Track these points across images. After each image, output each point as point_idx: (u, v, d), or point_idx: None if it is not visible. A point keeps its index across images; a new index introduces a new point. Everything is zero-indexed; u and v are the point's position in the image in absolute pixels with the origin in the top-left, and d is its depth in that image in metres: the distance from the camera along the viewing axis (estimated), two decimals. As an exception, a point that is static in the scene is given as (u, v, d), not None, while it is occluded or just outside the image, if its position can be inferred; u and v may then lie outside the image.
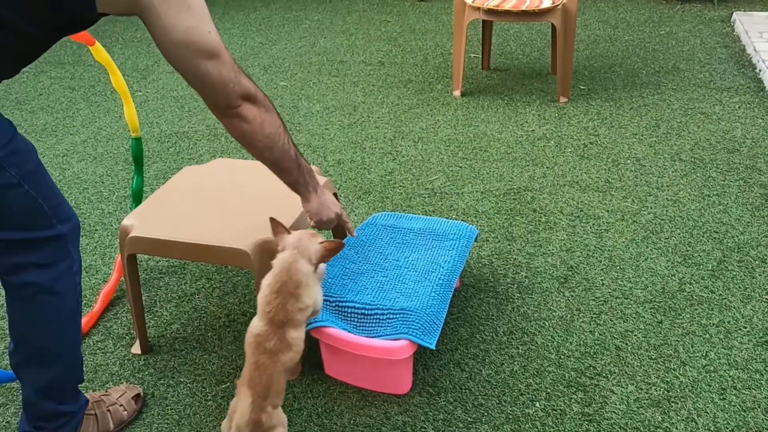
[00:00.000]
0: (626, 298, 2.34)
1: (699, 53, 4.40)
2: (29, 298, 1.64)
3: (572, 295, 2.36)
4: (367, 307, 1.97)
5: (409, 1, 5.89)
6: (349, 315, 1.99)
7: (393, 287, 2.05)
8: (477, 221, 2.81)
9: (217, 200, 2.19)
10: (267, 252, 1.95)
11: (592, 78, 4.12)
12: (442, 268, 2.12)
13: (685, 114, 3.62)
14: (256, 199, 2.17)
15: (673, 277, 2.43)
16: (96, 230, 2.92)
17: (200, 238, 2.00)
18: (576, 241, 2.65)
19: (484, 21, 4.16)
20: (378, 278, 2.10)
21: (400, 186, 3.12)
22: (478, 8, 3.68)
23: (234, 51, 4.89)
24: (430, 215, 2.87)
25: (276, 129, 1.69)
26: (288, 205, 2.10)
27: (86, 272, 2.65)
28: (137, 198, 2.55)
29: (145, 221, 2.10)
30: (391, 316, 1.94)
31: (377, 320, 1.95)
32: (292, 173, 1.82)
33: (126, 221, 2.11)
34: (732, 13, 4.97)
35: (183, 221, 2.09)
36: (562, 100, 3.83)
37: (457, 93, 4.00)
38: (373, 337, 1.93)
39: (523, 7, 3.57)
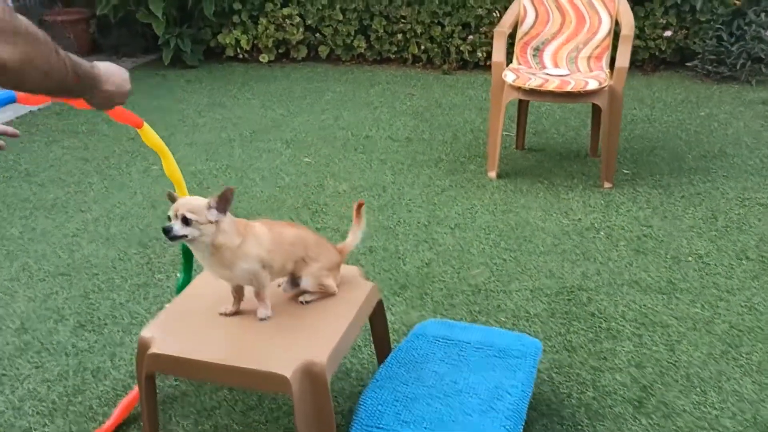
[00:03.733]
0: (714, 430, 2.03)
1: (745, 137, 4.19)
2: None
3: (651, 423, 2.06)
4: (426, 446, 1.68)
5: (433, 74, 5.75)
6: (404, 454, 1.69)
7: (454, 419, 1.76)
8: (530, 327, 2.52)
9: (249, 309, 1.92)
10: (309, 376, 1.68)
11: (635, 161, 3.90)
12: (510, 395, 1.83)
13: (743, 205, 3.37)
14: (294, 309, 1.90)
15: (764, 404, 2.12)
16: (105, 324, 2.64)
17: (233, 358, 1.72)
18: (645, 353, 2.36)
19: (521, 99, 3.97)
20: (436, 406, 1.80)
21: (440, 280, 2.85)
22: (519, 88, 3.48)
23: (254, 123, 4.71)
24: (477, 317, 2.59)
25: (47, 61, 1.25)
26: (331, 315, 1.83)
27: (93, 376, 2.35)
28: (189, 254, 2.24)
29: (167, 334, 1.82)
30: (456, 460, 1.64)
31: (438, 463, 1.65)
32: (76, 91, 1.45)
33: (145, 332, 1.84)
34: (771, 95, 4.81)
35: (211, 335, 1.82)
36: (607, 185, 3.59)
37: (492, 174, 3.77)
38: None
39: (568, 88, 3.38)
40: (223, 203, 1.74)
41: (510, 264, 2.94)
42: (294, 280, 1.92)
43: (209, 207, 1.72)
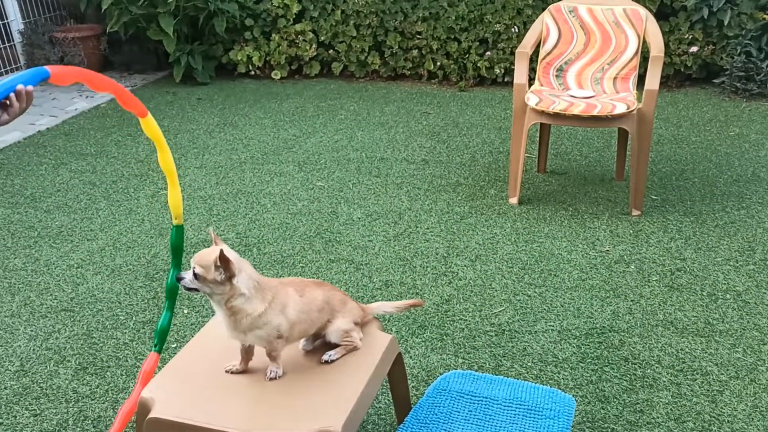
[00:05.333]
0: (766, 497, 1.86)
1: (778, 159, 4.01)
2: None
3: (695, 489, 1.89)
4: None
5: (450, 91, 5.60)
6: None
7: (482, 494, 1.60)
8: (559, 373, 2.36)
9: (259, 367, 1.77)
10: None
11: (664, 186, 3.72)
12: (543, 465, 1.66)
13: (781, 235, 3.19)
14: (308, 365, 1.75)
15: (819, 467, 1.95)
16: (108, 367, 2.50)
17: (240, 425, 1.57)
18: (684, 405, 2.19)
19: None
20: (461, 477, 1.65)
21: (461, 319, 2.69)
22: (542, 112, 3.32)
23: (266, 144, 4.57)
24: (501, 361, 2.43)
25: None
26: (347, 374, 1.68)
27: (93, 427, 2.21)
28: (172, 296, 2.12)
29: (169, 395, 1.67)
30: None
31: None
32: None
33: (146, 392, 1.69)
34: (803, 113, 4.62)
35: (217, 397, 1.67)
36: (635, 213, 3.42)
37: (513, 200, 3.61)
38: None
39: (595, 112, 3.21)
40: (224, 267, 1.59)
41: (535, 301, 2.78)
42: (314, 336, 1.78)
43: (216, 266, 1.58)
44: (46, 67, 1.56)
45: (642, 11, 3.52)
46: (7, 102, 1.49)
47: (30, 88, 1.52)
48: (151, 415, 1.63)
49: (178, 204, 2.05)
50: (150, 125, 1.91)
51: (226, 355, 1.79)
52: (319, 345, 1.81)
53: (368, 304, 1.92)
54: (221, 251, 1.57)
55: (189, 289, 1.63)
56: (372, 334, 1.87)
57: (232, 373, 1.75)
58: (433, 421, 1.83)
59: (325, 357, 1.75)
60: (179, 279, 1.64)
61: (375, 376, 1.75)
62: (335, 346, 1.79)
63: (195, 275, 1.60)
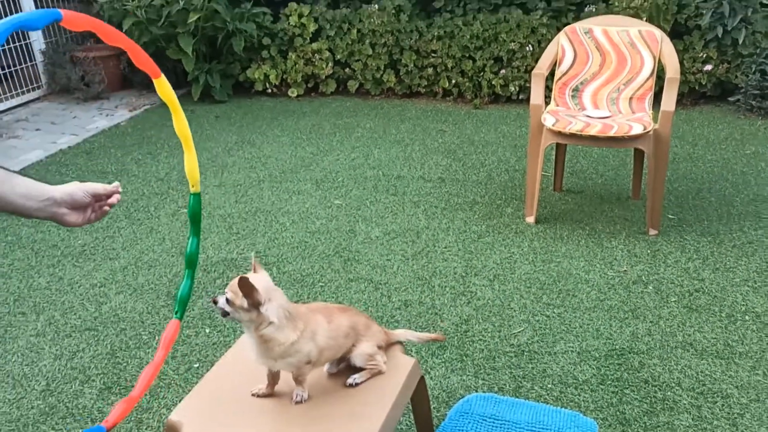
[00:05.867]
0: None
1: (795, 178, 4.01)
2: None
3: None
4: None
5: (464, 108, 5.64)
6: None
7: None
8: (579, 395, 2.37)
9: (285, 390, 1.80)
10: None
11: (681, 205, 3.74)
12: (566, 490, 1.68)
13: (799, 255, 3.20)
14: (333, 390, 1.78)
15: (842, 492, 1.95)
16: (132, 387, 2.53)
17: (268, 450, 1.60)
18: (705, 429, 2.19)
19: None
20: (485, 502, 1.66)
21: (480, 339, 2.71)
22: (559, 132, 3.35)
23: (284, 162, 4.63)
24: (521, 382, 2.44)
25: None
26: (371, 398, 1.70)
27: (119, 447, 2.25)
28: (191, 264, 2.12)
29: (197, 420, 1.71)
30: None
31: None
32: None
33: (174, 416, 1.72)
34: (819, 131, 4.62)
35: (244, 422, 1.70)
36: (652, 232, 3.43)
37: (530, 219, 3.63)
38: None
39: (611, 133, 3.24)
40: (245, 294, 1.61)
41: (554, 321, 2.79)
42: (339, 360, 1.81)
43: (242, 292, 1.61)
44: (60, 10, 1.50)
45: (657, 33, 3.55)
46: (86, 201, 1.44)
47: (114, 200, 1.49)
48: (181, 438, 1.66)
49: (195, 170, 1.99)
50: (163, 87, 1.80)
51: (250, 377, 1.81)
52: (344, 368, 1.84)
53: (392, 330, 1.95)
54: (240, 277, 1.60)
55: (224, 315, 1.66)
56: (395, 357, 1.89)
57: (258, 396, 1.78)
58: (456, 444, 1.85)
59: (350, 381, 1.78)
60: (215, 302, 1.67)
61: (399, 399, 1.78)
62: (359, 368, 1.82)
63: (227, 300, 1.63)
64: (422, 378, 1.95)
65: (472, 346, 2.67)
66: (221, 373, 1.88)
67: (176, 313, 2.12)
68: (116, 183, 1.53)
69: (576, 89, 3.68)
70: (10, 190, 1.33)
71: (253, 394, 1.78)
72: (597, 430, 1.93)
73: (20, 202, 1.34)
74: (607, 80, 3.63)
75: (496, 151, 4.68)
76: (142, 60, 1.71)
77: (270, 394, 1.77)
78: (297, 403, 1.74)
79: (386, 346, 1.89)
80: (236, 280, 1.65)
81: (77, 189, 1.42)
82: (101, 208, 1.47)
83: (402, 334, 1.96)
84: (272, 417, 1.71)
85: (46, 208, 1.37)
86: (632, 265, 3.17)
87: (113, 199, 1.50)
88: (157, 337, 2.82)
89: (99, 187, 1.46)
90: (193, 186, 2.03)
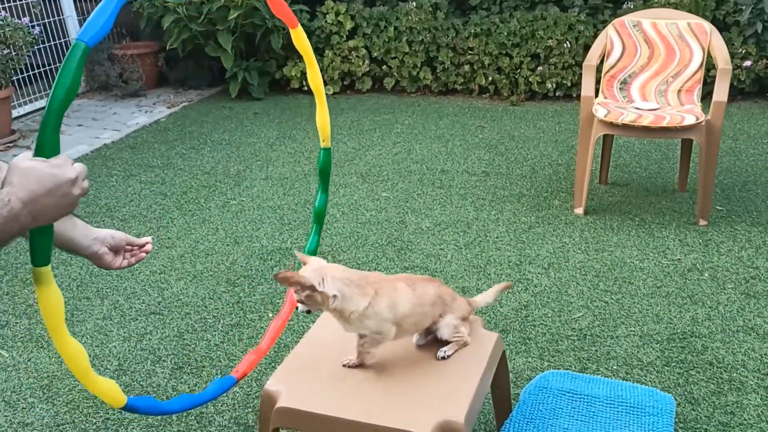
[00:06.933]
0: None
1: (841, 171, 4.03)
2: None
3: (796, 488, 1.92)
4: None
5: (501, 105, 5.68)
6: None
7: (598, 484, 1.66)
8: (646, 376, 2.40)
9: (378, 362, 1.85)
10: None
11: (728, 197, 3.76)
12: (655, 459, 1.72)
13: None
14: (420, 362, 1.83)
15: None
16: (203, 367, 2.60)
17: (366, 415, 1.65)
18: (775, 408, 2.22)
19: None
20: (575, 469, 1.71)
21: (541, 324, 2.75)
22: (611, 123, 3.39)
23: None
24: (586, 364, 2.48)
25: None
26: (460, 369, 1.75)
27: (197, 422, 2.31)
28: (319, 219, 2.16)
29: (294, 388, 1.76)
30: None
31: None
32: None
33: (270, 385, 1.78)
34: None
35: (339, 389, 1.75)
36: (702, 223, 3.46)
37: (579, 211, 3.67)
38: None
39: (664, 123, 3.27)
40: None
41: (613, 307, 2.83)
42: (427, 332, 1.85)
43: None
44: None
45: (706, 25, 3.58)
46: (122, 244, 1.63)
47: (149, 248, 1.69)
48: (279, 404, 1.71)
49: (326, 125, 1.99)
50: (300, 38, 1.85)
51: (339, 348, 1.87)
52: (431, 341, 1.89)
53: (472, 298, 1.99)
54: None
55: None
56: (478, 332, 1.94)
57: (348, 367, 1.83)
58: (538, 417, 1.90)
59: (440, 353, 1.83)
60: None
61: (487, 370, 1.82)
62: (445, 342, 1.86)
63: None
64: (504, 353, 1.99)
65: (534, 330, 2.71)
66: (311, 344, 1.94)
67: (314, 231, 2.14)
68: (148, 237, 1.73)
69: (624, 82, 3.72)
70: (72, 228, 1.54)
71: (343, 365, 1.83)
72: (675, 406, 1.96)
73: (78, 240, 1.55)
74: (655, 72, 3.66)
75: (537, 146, 4.72)
76: (282, 8, 1.76)
77: (360, 364, 1.83)
78: (344, 365, 1.80)
79: (470, 315, 1.93)
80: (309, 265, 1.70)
81: (116, 233, 1.63)
82: (135, 255, 1.67)
83: (481, 299, 2.00)
84: (364, 385, 1.76)
85: (92, 246, 1.57)
86: (685, 254, 3.21)
87: (148, 247, 1.70)
88: (222, 321, 2.88)
89: (133, 238, 1.67)
90: (323, 141, 2.03)
